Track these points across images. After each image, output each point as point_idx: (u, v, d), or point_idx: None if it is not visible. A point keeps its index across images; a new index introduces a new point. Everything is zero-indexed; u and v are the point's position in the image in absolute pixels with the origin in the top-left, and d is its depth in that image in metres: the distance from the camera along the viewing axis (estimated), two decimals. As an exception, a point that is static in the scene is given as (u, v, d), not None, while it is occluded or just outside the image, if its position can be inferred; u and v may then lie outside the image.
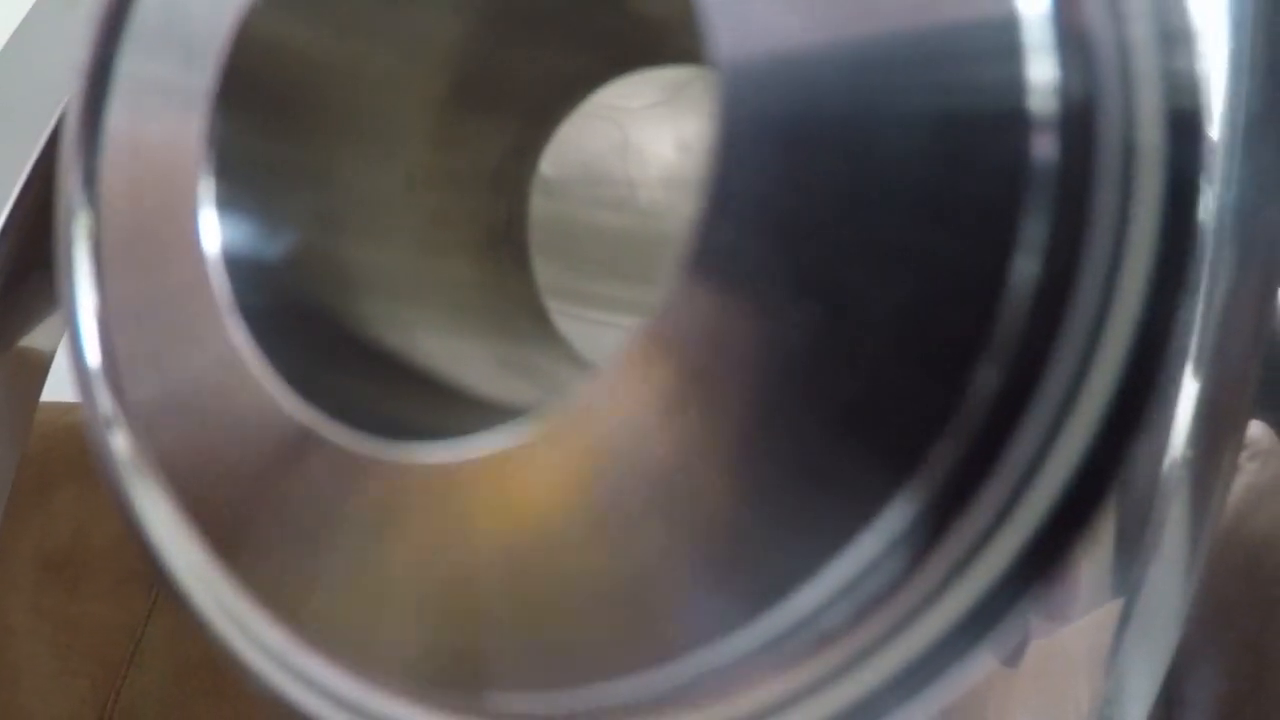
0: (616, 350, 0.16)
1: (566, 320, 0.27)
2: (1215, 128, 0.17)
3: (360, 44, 0.21)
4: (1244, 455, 0.24)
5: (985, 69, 0.15)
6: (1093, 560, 0.17)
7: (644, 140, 0.28)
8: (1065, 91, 0.15)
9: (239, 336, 0.19)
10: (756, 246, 0.15)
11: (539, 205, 0.27)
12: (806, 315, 0.15)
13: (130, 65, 0.20)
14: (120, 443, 0.21)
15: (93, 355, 0.21)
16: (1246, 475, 0.25)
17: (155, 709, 0.57)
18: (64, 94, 0.27)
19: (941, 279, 0.15)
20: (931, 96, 0.15)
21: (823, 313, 0.15)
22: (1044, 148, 0.15)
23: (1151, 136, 0.15)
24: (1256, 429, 0.24)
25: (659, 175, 0.28)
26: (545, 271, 0.27)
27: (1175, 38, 0.15)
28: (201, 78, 0.19)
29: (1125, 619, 0.18)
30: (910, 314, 0.15)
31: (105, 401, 0.21)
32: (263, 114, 0.20)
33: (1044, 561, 0.16)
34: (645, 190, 0.28)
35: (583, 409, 0.16)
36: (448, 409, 0.21)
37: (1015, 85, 0.15)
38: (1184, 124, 0.15)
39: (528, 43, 0.23)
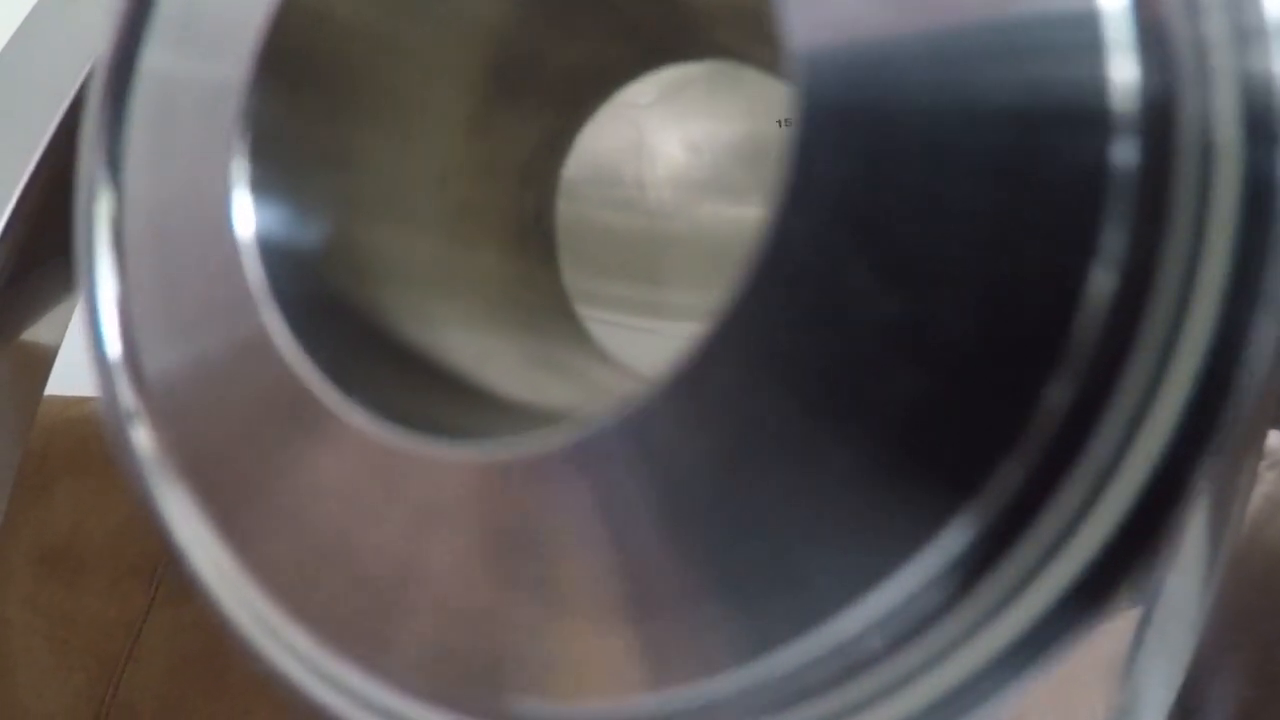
0: (673, 356, 0.15)
1: (584, 322, 0.26)
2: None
3: (401, 21, 0.20)
4: (1263, 465, 0.24)
5: (1065, 64, 0.14)
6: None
7: (655, 141, 0.27)
8: (1146, 90, 0.14)
9: (275, 324, 0.18)
10: (832, 245, 0.15)
11: (558, 206, 0.26)
12: (878, 319, 0.14)
13: (159, 43, 0.20)
14: (142, 437, 0.20)
15: (113, 345, 0.20)
16: (1265, 485, 0.25)
17: (153, 704, 0.56)
18: (67, 91, 0.27)
19: (1018, 287, 0.14)
20: (1011, 92, 0.14)
21: (895, 317, 0.14)
22: (1125, 149, 0.14)
23: (1229, 138, 0.14)
24: (1276, 439, 0.24)
25: (667, 176, 0.28)
26: (563, 273, 0.26)
27: (1251, 34, 0.14)
28: (235, 56, 0.18)
29: (1142, 628, 0.18)
30: (984, 323, 0.14)
31: (126, 393, 0.20)
32: (300, 92, 0.19)
33: (1099, 591, 0.15)
34: (654, 191, 0.28)
35: (625, 416, 0.16)
36: (479, 407, 0.20)
37: (1096, 82, 0.14)
38: (1262, 125, 0.14)
39: (564, 29, 0.22)
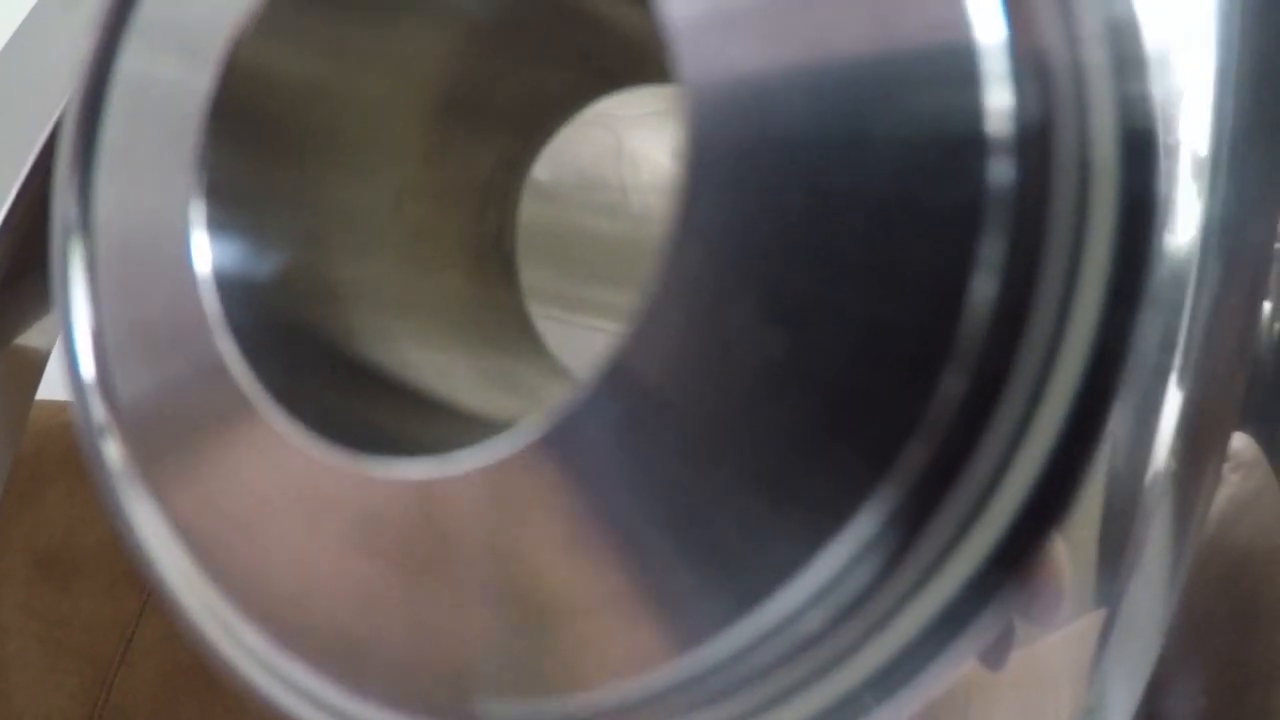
0: (591, 367, 0.16)
1: (557, 325, 0.27)
2: (1202, 140, 0.17)
3: (348, 65, 0.21)
4: (1227, 467, 0.24)
5: (942, 94, 0.15)
6: (1075, 571, 0.17)
7: (638, 147, 0.28)
8: (1021, 116, 0.15)
9: (228, 351, 0.19)
10: (724, 265, 0.16)
11: (532, 210, 0.27)
12: (775, 333, 0.15)
13: (127, 76, 0.21)
14: (113, 451, 0.21)
15: (87, 367, 0.21)
16: (1229, 487, 0.25)
17: (146, 708, 0.56)
18: (63, 94, 0.28)
19: (905, 295, 0.15)
20: (891, 121, 0.15)
21: (791, 330, 0.15)
22: (1000, 171, 0.15)
23: (1106, 158, 0.15)
24: (1240, 441, 0.24)
25: (651, 181, 0.28)
26: (537, 276, 0.27)
27: (1129, 63, 0.16)
28: (193, 98, 0.19)
29: (1107, 630, 0.18)
30: (876, 330, 0.15)
31: (99, 411, 0.21)
32: (253, 138, 0.20)
33: (1013, 560, 0.16)
34: (637, 196, 0.29)
35: (558, 426, 0.17)
36: (432, 423, 0.21)
37: (972, 110, 0.15)
38: (1139, 146, 0.15)
39: (513, 61, 0.23)
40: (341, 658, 0.19)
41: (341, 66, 0.21)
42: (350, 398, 0.21)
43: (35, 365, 0.40)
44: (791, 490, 0.16)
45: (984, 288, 0.15)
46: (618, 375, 0.16)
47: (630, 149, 0.28)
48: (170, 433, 0.20)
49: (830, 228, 0.15)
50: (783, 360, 0.15)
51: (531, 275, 0.27)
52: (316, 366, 0.21)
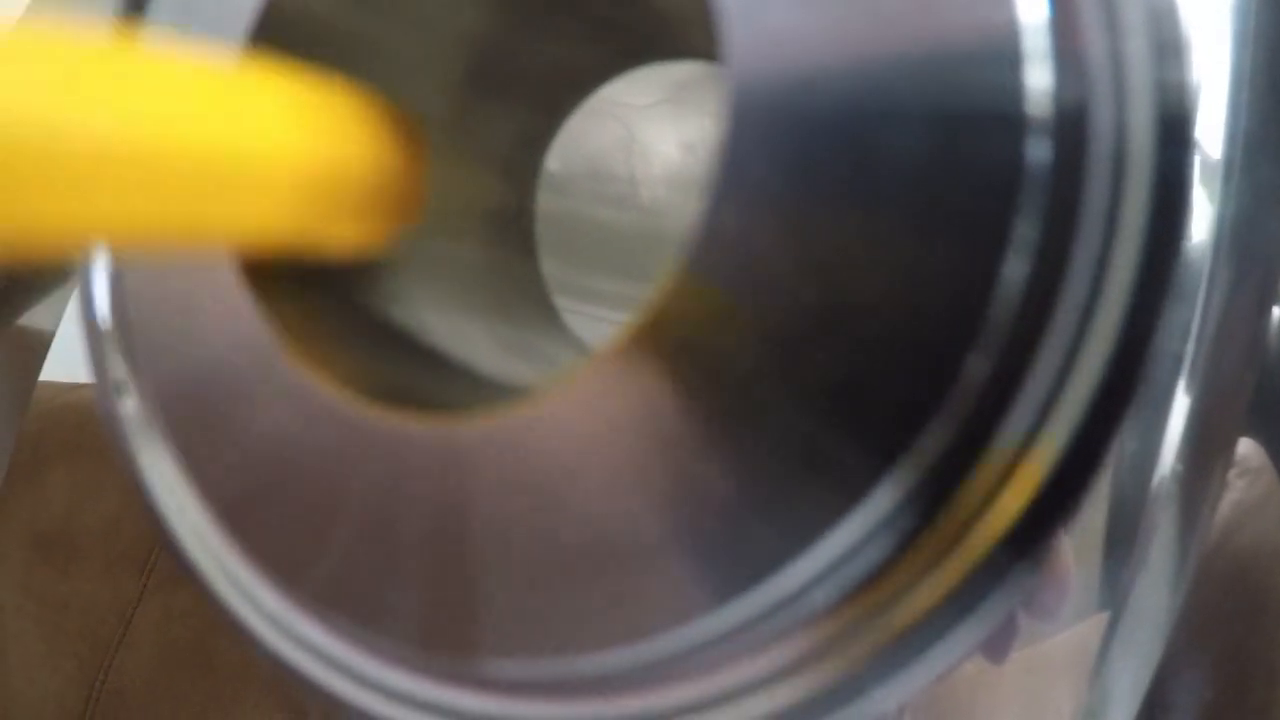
0: (616, 333, 0.16)
1: (568, 315, 0.27)
2: (1215, 142, 0.17)
3: (378, 22, 0.21)
4: (1233, 472, 0.24)
5: (984, 75, 0.15)
6: (1080, 572, 0.17)
7: (649, 138, 0.28)
8: (1059, 98, 0.15)
9: (249, 304, 0.19)
10: (760, 236, 0.16)
11: (543, 200, 0.27)
12: (805, 302, 0.15)
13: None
14: (129, 407, 0.21)
15: (104, 317, 0.21)
16: (1235, 492, 0.25)
17: (144, 691, 0.56)
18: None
19: (936, 272, 0.15)
20: (931, 100, 0.15)
21: (820, 300, 0.15)
22: (1037, 150, 0.15)
23: (1142, 143, 0.15)
24: (1246, 446, 0.24)
25: (662, 173, 0.28)
26: (546, 266, 0.27)
27: (1169, 50, 0.16)
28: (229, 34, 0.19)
29: (1111, 630, 0.18)
30: (905, 305, 0.15)
31: (117, 365, 0.21)
32: None
33: (1026, 547, 0.16)
34: (648, 188, 0.28)
35: (580, 388, 0.17)
36: (452, 384, 0.21)
37: (1012, 91, 0.15)
38: (1174, 133, 0.16)
39: (540, 32, 0.23)
40: (361, 615, 0.19)
41: (372, 20, 0.21)
42: (371, 354, 0.21)
43: (38, 346, 0.40)
44: (810, 464, 0.16)
45: (1015, 267, 0.15)
46: (639, 341, 0.16)
47: (641, 140, 0.28)
48: (190, 387, 0.20)
49: (868, 202, 0.15)
50: (810, 330, 0.15)
51: (543, 264, 0.27)
52: (338, 321, 0.21)
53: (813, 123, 0.15)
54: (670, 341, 0.16)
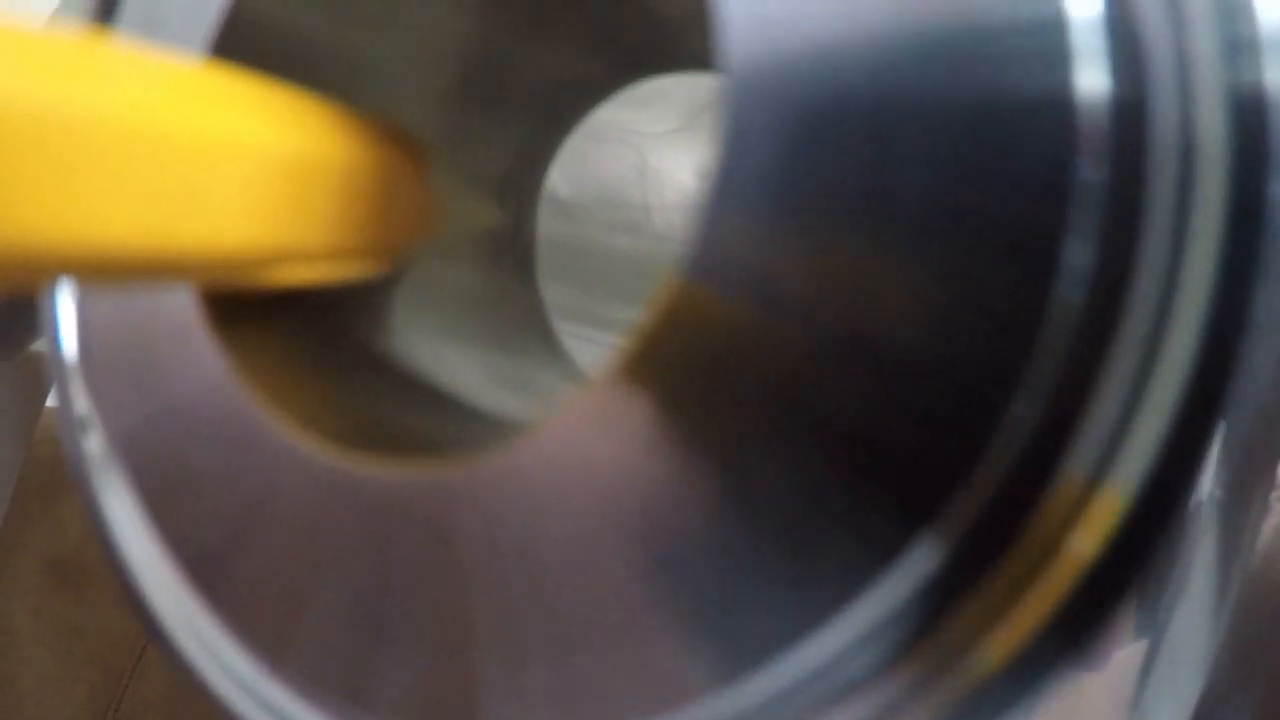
0: (608, 360, 0.14)
1: (577, 342, 0.25)
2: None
3: (358, 33, 0.19)
4: (1274, 496, 0.23)
5: (1027, 75, 0.13)
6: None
7: (662, 165, 0.27)
8: (1117, 101, 0.13)
9: (209, 338, 0.17)
10: (763, 251, 0.13)
11: (553, 226, 0.25)
12: (817, 330, 0.13)
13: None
14: (94, 445, 0.19)
15: (70, 350, 0.19)
16: (1276, 516, 0.24)
17: (155, 719, 0.55)
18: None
19: (972, 298, 0.13)
20: (965, 98, 0.13)
21: (835, 327, 0.13)
22: (1091, 161, 0.13)
23: (1213, 153, 0.13)
24: (1288, 468, 0.22)
25: (675, 200, 0.27)
26: (556, 292, 0.25)
27: (1242, 46, 0.13)
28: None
29: (1149, 662, 0.17)
30: (934, 335, 0.13)
31: (81, 401, 0.19)
32: None
33: (1079, 629, 0.13)
34: (661, 215, 0.27)
35: (570, 425, 0.14)
36: (438, 420, 0.19)
37: (1060, 93, 0.13)
38: (1250, 141, 0.13)
39: (536, 40, 0.21)
40: (348, 694, 0.16)
41: (350, 31, 0.19)
42: (348, 393, 0.18)
43: (48, 373, 0.39)
44: (833, 513, 0.13)
45: (1068, 295, 0.13)
46: (632, 373, 0.14)
47: (654, 167, 0.27)
48: (155, 430, 0.18)
49: (894, 216, 0.13)
50: (824, 367, 0.13)
51: (550, 291, 0.25)
52: (312, 356, 0.18)
53: (824, 117, 0.13)
54: (666, 375, 0.14)
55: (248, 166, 0.14)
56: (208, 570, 0.18)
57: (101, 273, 0.14)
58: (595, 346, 0.25)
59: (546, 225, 0.25)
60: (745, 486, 0.14)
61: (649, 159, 0.27)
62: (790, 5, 0.14)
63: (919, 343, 0.13)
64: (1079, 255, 0.13)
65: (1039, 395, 0.13)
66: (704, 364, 0.14)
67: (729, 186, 0.13)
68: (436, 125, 0.21)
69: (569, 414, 0.14)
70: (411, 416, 0.19)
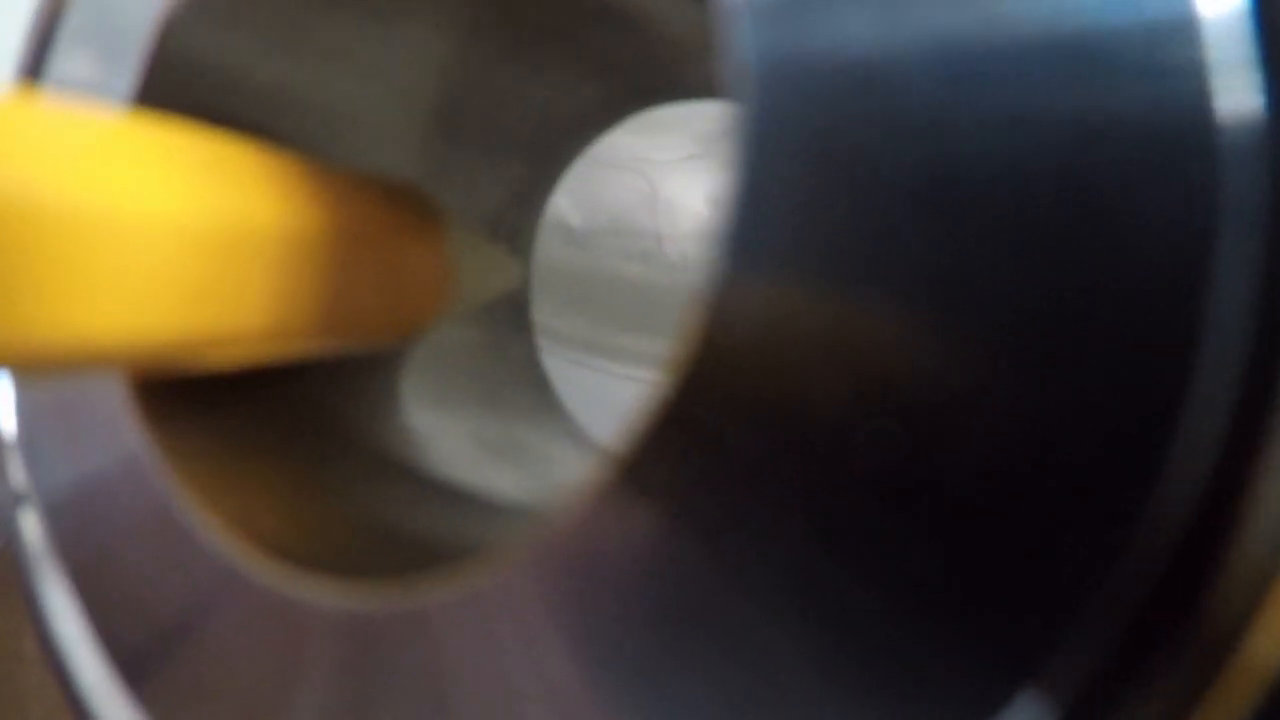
0: (602, 459, 0.11)
1: (586, 373, 0.24)
2: None
3: (314, 69, 0.17)
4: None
5: (1143, 94, 0.10)
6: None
7: (674, 194, 0.25)
8: (1273, 125, 0.10)
9: (143, 438, 0.14)
10: (785, 315, 0.10)
11: (563, 255, 0.24)
12: (875, 421, 0.10)
13: (54, 83, 0.17)
14: (30, 524, 0.17)
15: (9, 423, 0.17)
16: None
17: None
18: None
19: (1084, 396, 0.10)
20: (1065, 125, 0.10)
21: (896, 424, 0.10)
22: (1236, 205, 0.09)
23: None
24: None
25: (689, 229, 0.26)
26: (566, 323, 0.24)
27: None
28: (113, 100, 0.15)
29: None
30: (1032, 450, 0.10)
31: (19, 475, 0.17)
32: None
33: None
34: (673, 244, 0.26)
35: (549, 550, 0.11)
36: (416, 508, 0.17)
37: (1193, 117, 0.10)
38: None
39: (525, 67, 0.19)
40: None
41: (306, 68, 0.16)
42: (307, 476, 0.16)
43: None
44: (883, 674, 0.10)
45: (1207, 398, 0.09)
46: (625, 479, 0.11)
47: (666, 195, 0.25)
48: (85, 521, 0.16)
49: (970, 277, 0.10)
50: (875, 475, 0.10)
51: (560, 322, 0.24)
52: (268, 441, 0.16)
53: (868, 130, 0.10)
54: (673, 478, 0.11)
55: (163, 241, 0.12)
56: (141, 677, 0.15)
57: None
58: (605, 377, 0.24)
59: (556, 254, 0.24)
60: (782, 651, 0.11)
61: (661, 187, 0.25)
62: (816, 19, 0.11)
63: (1006, 455, 0.10)
64: (1220, 343, 0.10)
65: (1170, 515, 0.10)
66: (718, 469, 0.11)
67: (744, 230, 0.10)
68: (417, 165, 0.19)
69: (558, 522, 0.11)
70: (383, 505, 0.16)
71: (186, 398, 0.15)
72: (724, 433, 0.11)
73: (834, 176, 0.10)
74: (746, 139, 0.10)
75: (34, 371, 0.14)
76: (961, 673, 0.10)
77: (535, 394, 0.22)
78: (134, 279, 0.11)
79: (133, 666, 0.15)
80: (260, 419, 0.16)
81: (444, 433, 0.19)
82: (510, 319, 0.22)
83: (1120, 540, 0.10)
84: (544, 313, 0.24)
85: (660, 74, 0.19)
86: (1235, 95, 0.10)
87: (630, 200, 0.25)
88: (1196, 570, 0.10)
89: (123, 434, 0.15)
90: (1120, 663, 0.10)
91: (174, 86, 0.15)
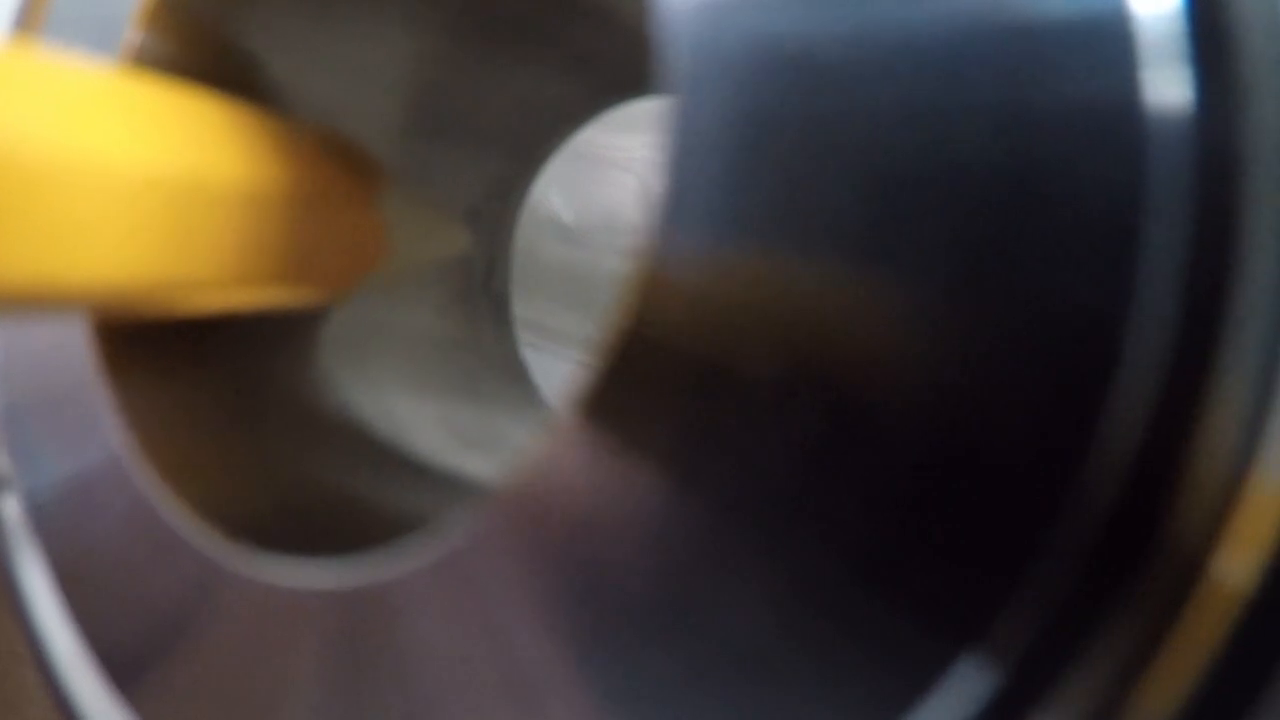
0: (534, 438, 0.11)
1: (570, 367, 0.24)
2: None
3: (294, 65, 0.17)
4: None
5: (1071, 83, 0.10)
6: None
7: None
8: (1202, 118, 0.10)
9: (107, 401, 0.14)
10: (717, 281, 0.10)
11: (556, 250, 0.24)
12: (811, 384, 0.10)
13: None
14: (11, 509, 0.17)
15: None
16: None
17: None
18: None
19: (1018, 347, 0.10)
20: (998, 117, 0.10)
21: (831, 387, 0.10)
22: (1167, 198, 0.09)
23: None
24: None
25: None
26: (561, 320, 0.24)
27: None
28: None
29: None
30: (974, 423, 0.10)
31: (2, 456, 0.17)
32: None
33: (1250, 681, 0.10)
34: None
35: (504, 515, 0.11)
36: (384, 485, 0.17)
37: (1123, 109, 0.10)
38: None
39: (505, 61, 0.19)
40: None
41: (279, 63, 0.16)
42: (277, 457, 0.16)
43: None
44: (843, 637, 0.10)
45: (1133, 392, 0.09)
46: (575, 440, 0.11)
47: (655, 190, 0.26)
48: (68, 510, 0.16)
49: (898, 241, 0.10)
50: (820, 444, 0.10)
51: (555, 319, 0.24)
52: (235, 415, 0.16)
53: (801, 115, 0.10)
54: (619, 445, 0.11)
55: (131, 188, 0.12)
56: (125, 673, 0.15)
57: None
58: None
59: (547, 249, 0.24)
60: (723, 610, 0.11)
61: (651, 184, 0.26)
62: (744, 11, 0.11)
63: (940, 432, 0.10)
64: (1146, 338, 0.10)
65: (1105, 485, 0.10)
66: (652, 417, 0.11)
67: (675, 201, 0.11)
68: (396, 156, 0.19)
69: (527, 478, 0.12)
70: (353, 483, 0.16)
71: (153, 367, 0.15)
72: (665, 395, 0.11)
73: (763, 156, 0.11)
74: (676, 121, 0.11)
75: (4, 310, 0.14)
76: (909, 632, 0.10)
77: (512, 386, 0.22)
78: (104, 224, 0.11)
79: (120, 663, 0.15)
80: (225, 395, 0.16)
81: (413, 418, 0.19)
82: (486, 309, 0.22)
83: (1066, 483, 0.09)
84: (529, 307, 0.24)
85: (639, 68, 0.20)
86: (1166, 89, 0.10)
87: (621, 196, 0.25)
88: (1152, 496, 0.09)
89: (107, 435, 0.15)
90: (1077, 610, 0.10)
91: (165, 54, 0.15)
